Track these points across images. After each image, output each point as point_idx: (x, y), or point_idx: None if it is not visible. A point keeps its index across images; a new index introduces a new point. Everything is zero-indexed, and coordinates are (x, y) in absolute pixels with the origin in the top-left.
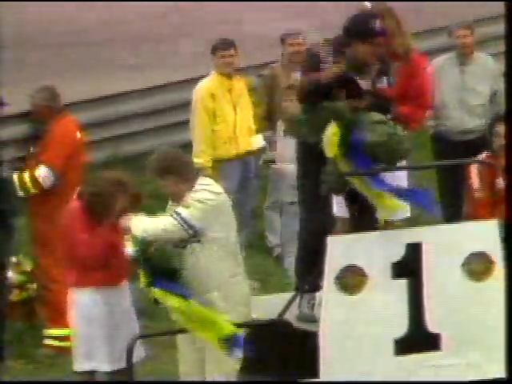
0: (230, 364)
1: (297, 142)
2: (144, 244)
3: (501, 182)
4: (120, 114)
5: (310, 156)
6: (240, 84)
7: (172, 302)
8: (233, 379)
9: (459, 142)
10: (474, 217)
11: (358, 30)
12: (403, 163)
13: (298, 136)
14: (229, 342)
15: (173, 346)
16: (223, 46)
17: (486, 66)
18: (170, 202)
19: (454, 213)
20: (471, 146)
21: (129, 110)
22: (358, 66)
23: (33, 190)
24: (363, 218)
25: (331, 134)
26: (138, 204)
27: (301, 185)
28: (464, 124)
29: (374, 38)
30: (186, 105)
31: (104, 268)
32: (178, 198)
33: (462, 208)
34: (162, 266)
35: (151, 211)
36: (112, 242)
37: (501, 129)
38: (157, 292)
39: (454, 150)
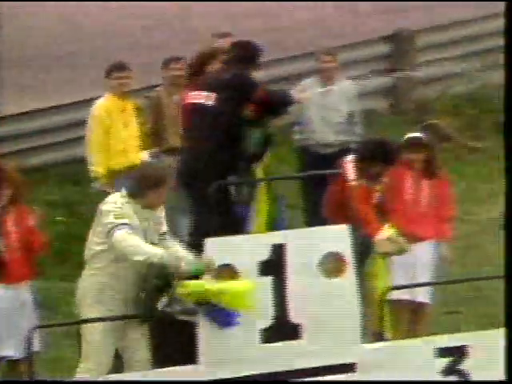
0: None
1: None
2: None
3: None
4: (23, 131)
5: None
6: (131, 104)
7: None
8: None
9: (322, 155)
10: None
11: None
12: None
13: None
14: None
15: (70, 335)
16: (118, 68)
17: (345, 88)
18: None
19: (316, 219)
20: (333, 158)
21: (32, 127)
22: None
23: None
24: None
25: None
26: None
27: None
28: (326, 138)
29: None
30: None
31: (10, 265)
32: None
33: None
34: None
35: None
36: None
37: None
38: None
39: (317, 161)
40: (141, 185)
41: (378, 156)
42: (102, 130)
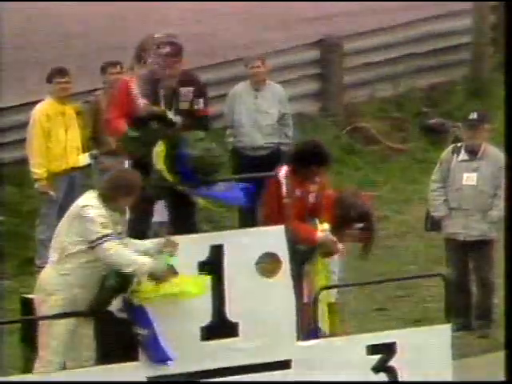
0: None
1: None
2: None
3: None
4: None
5: (137, 168)
6: (71, 108)
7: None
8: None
9: (253, 157)
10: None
11: None
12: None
13: (128, 151)
14: None
15: (12, 333)
16: (59, 73)
17: (276, 92)
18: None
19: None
20: (263, 160)
21: None
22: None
23: None
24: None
25: (159, 150)
26: None
27: None
28: (256, 141)
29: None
30: (21, 126)
31: None
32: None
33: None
34: None
35: None
36: None
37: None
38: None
39: (248, 163)
40: (113, 191)
41: (311, 157)
42: (42, 133)
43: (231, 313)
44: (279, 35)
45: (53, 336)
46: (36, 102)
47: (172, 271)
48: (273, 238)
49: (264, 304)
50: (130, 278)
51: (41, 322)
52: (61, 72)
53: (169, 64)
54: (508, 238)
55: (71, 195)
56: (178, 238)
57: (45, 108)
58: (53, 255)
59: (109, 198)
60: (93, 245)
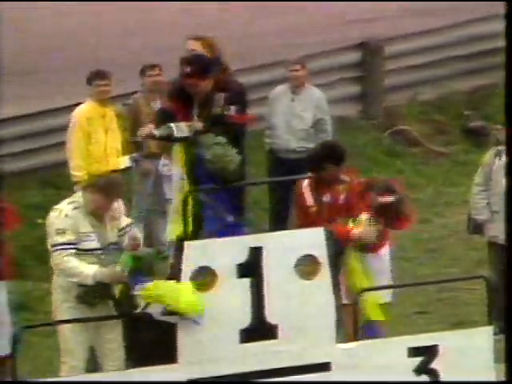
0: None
1: None
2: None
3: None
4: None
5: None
6: (111, 111)
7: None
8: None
9: (286, 160)
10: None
11: None
12: None
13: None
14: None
15: (50, 335)
16: (99, 76)
17: (313, 96)
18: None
19: (282, 221)
20: (296, 164)
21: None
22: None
23: None
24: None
25: (178, 149)
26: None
27: None
28: (289, 144)
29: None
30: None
31: None
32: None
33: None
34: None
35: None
36: None
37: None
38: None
39: (282, 166)
40: (84, 190)
41: (326, 159)
42: (83, 135)
43: (270, 315)
44: (320, 37)
45: (72, 341)
46: (71, 107)
47: (121, 274)
48: (312, 239)
49: (303, 306)
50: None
51: (58, 328)
52: (100, 75)
53: (190, 84)
54: (508, 238)
55: None
56: (217, 241)
57: (85, 110)
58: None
59: (84, 200)
60: (50, 251)
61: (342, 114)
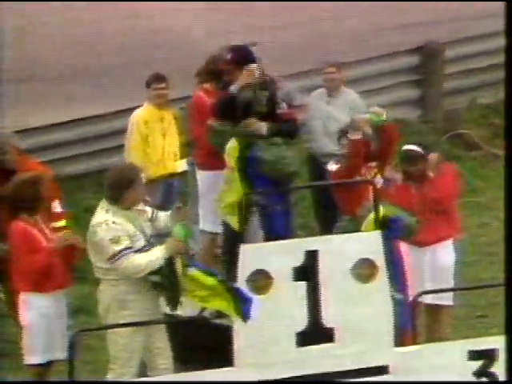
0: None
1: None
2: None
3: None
4: (59, 141)
5: None
6: (169, 114)
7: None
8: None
9: (324, 163)
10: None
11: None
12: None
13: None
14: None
15: (104, 339)
16: (157, 79)
17: (349, 99)
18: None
19: (327, 225)
20: None
21: (67, 137)
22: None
23: None
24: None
25: (231, 147)
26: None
27: None
28: (325, 148)
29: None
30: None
31: (53, 275)
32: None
33: (334, 222)
34: None
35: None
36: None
37: (344, 141)
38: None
39: (320, 170)
40: (114, 189)
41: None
42: (140, 138)
43: (327, 318)
44: (377, 41)
45: (122, 348)
46: (126, 111)
47: (180, 243)
48: (369, 242)
49: (360, 309)
50: (170, 269)
51: (108, 336)
52: (158, 78)
53: (230, 70)
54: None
55: (169, 201)
56: (273, 244)
57: (143, 114)
58: (96, 272)
59: (115, 199)
60: (109, 263)
61: (401, 118)
